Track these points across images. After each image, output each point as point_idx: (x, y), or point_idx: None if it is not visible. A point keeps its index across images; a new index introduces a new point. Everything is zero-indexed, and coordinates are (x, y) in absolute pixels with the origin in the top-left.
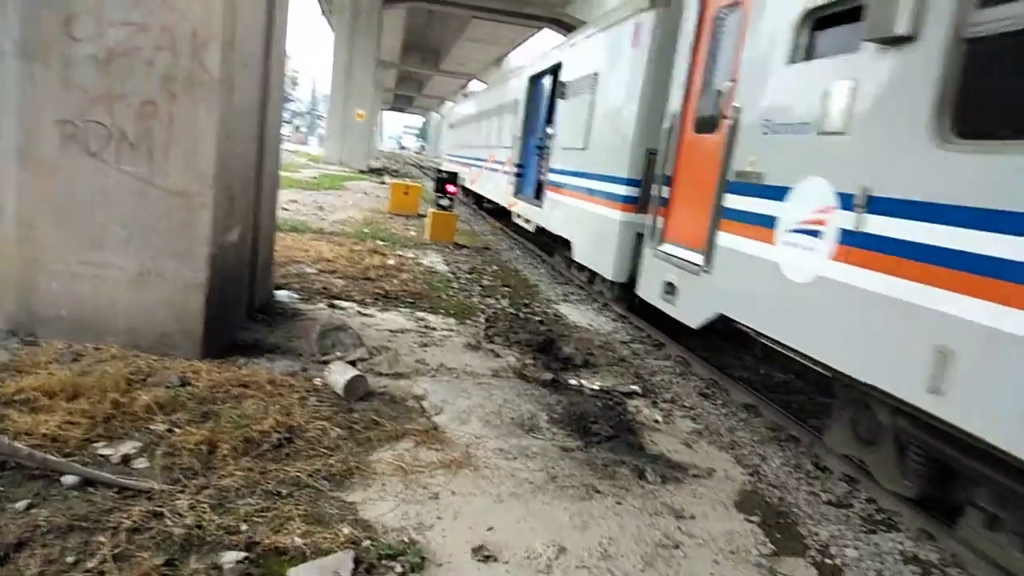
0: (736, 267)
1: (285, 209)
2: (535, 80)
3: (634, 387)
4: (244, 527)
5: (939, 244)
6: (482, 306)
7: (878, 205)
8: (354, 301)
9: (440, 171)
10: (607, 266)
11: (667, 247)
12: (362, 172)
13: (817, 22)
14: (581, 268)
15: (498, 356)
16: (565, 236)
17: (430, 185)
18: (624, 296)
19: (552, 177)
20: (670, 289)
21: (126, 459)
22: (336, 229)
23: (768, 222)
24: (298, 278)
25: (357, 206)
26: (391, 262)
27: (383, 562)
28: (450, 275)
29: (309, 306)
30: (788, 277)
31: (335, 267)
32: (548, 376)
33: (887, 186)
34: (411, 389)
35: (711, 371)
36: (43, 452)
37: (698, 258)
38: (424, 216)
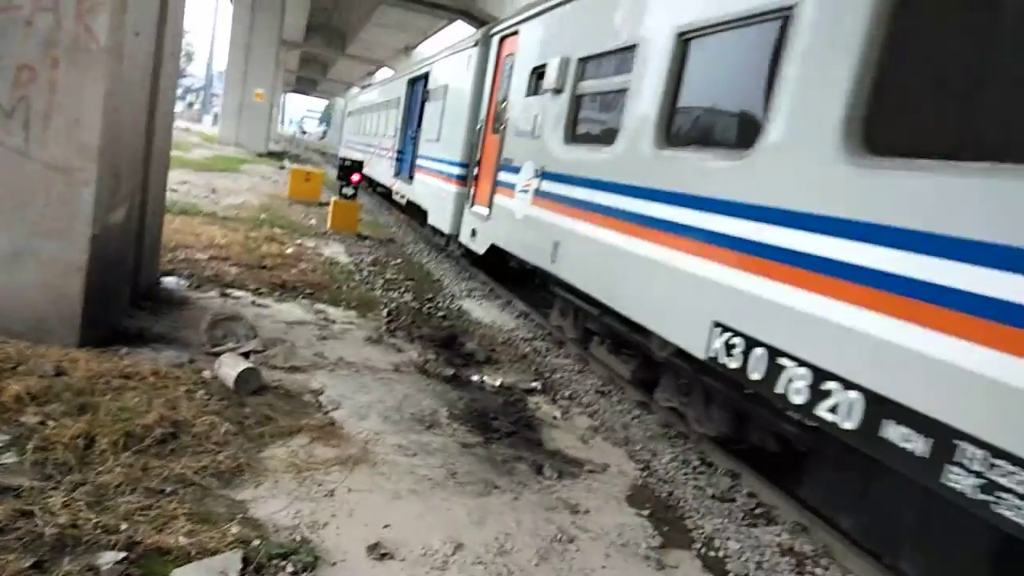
0: (501, 215)
1: (175, 191)
2: (412, 83)
3: (535, 384)
4: (124, 526)
5: (561, 193)
6: (384, 299)
7: (546, 175)
8: (248, 290)
9: (345, 159)
10: (445, 224)
11: (475, 208)
12: (260, 155)
13: (536, 74)
14: (435, 232)
15: (400, 351)
16: (423, 206)
17: (333, 172)
18: (462, 249)
19: (419, 162)
20: (473, 233)
21: None
22: (230, 214)
23: (512, 187)
24: (188, 264)
25: (254, 190)
26: (289, 251)
27: (273, 562)
28: (352, 266)
29: (199, 294)
30: (516, 216)
31: (228, 254)
32: (450, 372)
33: (549, 166)
34: (308, 383)
35: (609, 370)
36: None
37: (485, 212)
38: (326, 204)
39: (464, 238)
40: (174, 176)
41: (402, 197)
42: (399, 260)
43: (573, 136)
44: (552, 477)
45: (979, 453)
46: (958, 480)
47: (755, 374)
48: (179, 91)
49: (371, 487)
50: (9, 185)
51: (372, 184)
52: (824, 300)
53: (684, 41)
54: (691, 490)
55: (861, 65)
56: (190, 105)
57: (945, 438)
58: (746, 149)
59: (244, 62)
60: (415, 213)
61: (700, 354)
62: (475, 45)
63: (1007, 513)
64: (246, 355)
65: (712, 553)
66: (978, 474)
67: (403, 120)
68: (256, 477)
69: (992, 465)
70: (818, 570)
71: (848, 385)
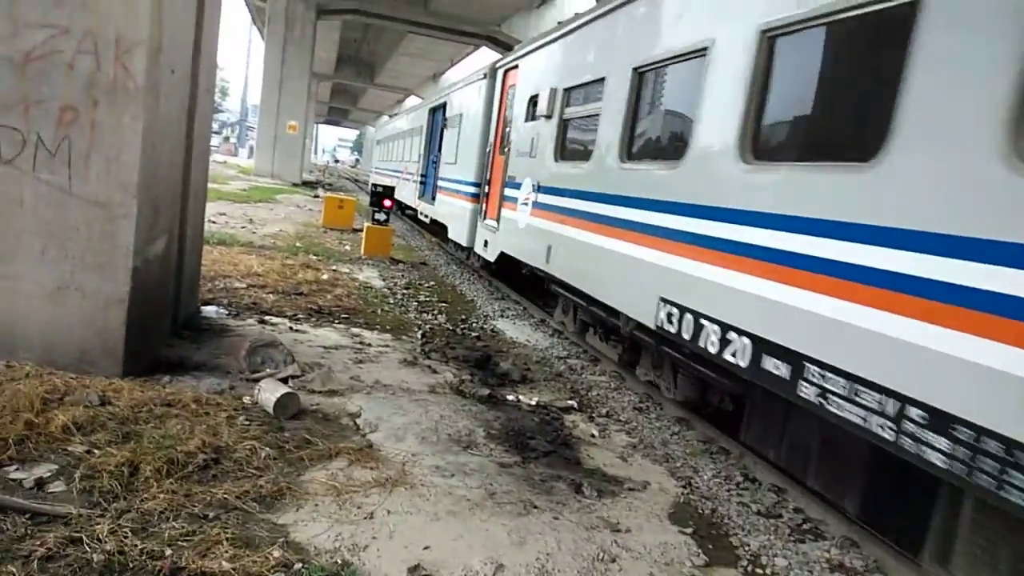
0: (507, 227)
1: (213, 222)
2: (432, 112)
3: (571, 402)
4: (168, 551)
5: (552, 203)
6: (419, 322)
7: (541, 189)
8: (286, 317)
9: (376, 185)
10: (463, 238)
11: (486, 221)
12: (295, 185)
13: (532, 102)
14: (457, 247)
15: (435, 372)
16: (445, 223)
17: (365, 199)
18: (480, 261)
19: (440, 183)
20: (485, 244)
21: (40, 483)
22: (267, 243)
23: (515, 201)
24: (226, 293)
25: (289, 219)
26: (325, 277)
27: None
28: (386, 290)
29: (238, 322)
30: (519, 226)
31: (266, 282)
32: (485, 392)
33: (544, 181)
34: (345, 406)
35: (645, 386)
36: None
37: (494, 224)
38: (359, 230)
39: (479, 249)
40: (212, 208)
41: (426, 216)
42: (432, 283)
43: (562, 154)
44: (592, 496)
45: (816, 370)
46: (806, 391)
47: (686, 334)
48: (216, 125)
49: (410, 509)
50: (53, 222)
51: (401, 207)
52: (728, 272)
53: (639, 74)
54: (735, 506)
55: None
56: (226, 139)
57: (799, 363)
58: (678, 160)
59: (277, 95)
60: (438, 232)
61: (651, 324)
62: (484, 77)
63: (832, 408)
64: (285, 380)
65: (759, 571)
66: (817, 385)
67: (425, 146)
68: (297, 501)
69: (824, 376)
70: None
71: (741, 332)
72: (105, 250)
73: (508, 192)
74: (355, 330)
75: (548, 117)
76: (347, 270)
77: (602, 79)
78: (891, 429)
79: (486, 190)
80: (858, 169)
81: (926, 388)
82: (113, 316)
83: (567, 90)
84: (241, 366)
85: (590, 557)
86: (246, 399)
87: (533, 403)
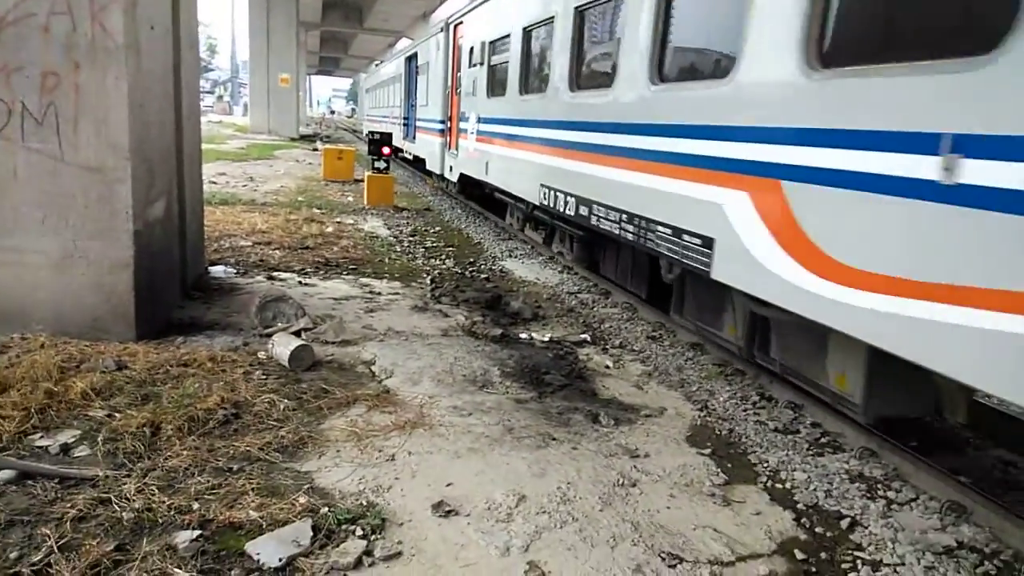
0: (462, 153)
1: (213, 182)
2: (408, 60)
3: (584, 336)
4: (196, 506)
5: (487, 130)
6: (427, 267)
7: (480, 119)
8: (294, 271)
9: (373, 133)
10: (436, 167)
11: (450, 151)
12: (293, 139)
13: (471, 52)
14: (430, 174)
15: (446, 316)
16: (423, 157)
17: (364, 148)
18: (451, 186)
19: (418, 123)
20: (450, 169)
21: (66, 448)
22: (269, 199)
23: (466, 132)
24: (233, 252)
25: (290, 175)
26: (330, 229)
27: (343, 527)
28: (392, 239)
29: (246, 280)
30: (469, 151)
31: (271, 238)
32: (498, 332)
33: (481, 113)
34: (360, 355)
35: (658, 315)
36: None
37: (455, 152)
38: (360, 181)
39: (447, 174)
40: (211, 168)
41: (409, 154)
42: (437, 228)
43: (490, 92)
44: (609, 425)
45: (596, 207)
46: (593, 220)
47: (557, 206)
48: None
49: (430, 448)
50: (49, 191)
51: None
52: (577, 163)
53: (525, 32)
54: (752, 425)
55: None
56: (219, 98)
57: (590, 205)
58: (543, 94)
59: (266, 48)
60: (420, 170)
61: (535, 201)
62: (441, 31)
63: (602, 226)
64: (297, 333)
65: (778, 485)
66: (596, 216)
67: (405, 91)
68: (318, 448)
69: (601, 210)
70: (890, 493)
71: (569, 195)
72: (104, 215)
73: (461, 125)
74: (364, 280)
75: (480, 64)
76: (351, 221)
77: (507, 35)
78: (619, 228)
79: (448, 126)
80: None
81: (635, 206)
82: (120, 281)
83: (491, 42)
84: (253, 322)
85: (610, 483)
86: (261, 354)
87: (546, 339)
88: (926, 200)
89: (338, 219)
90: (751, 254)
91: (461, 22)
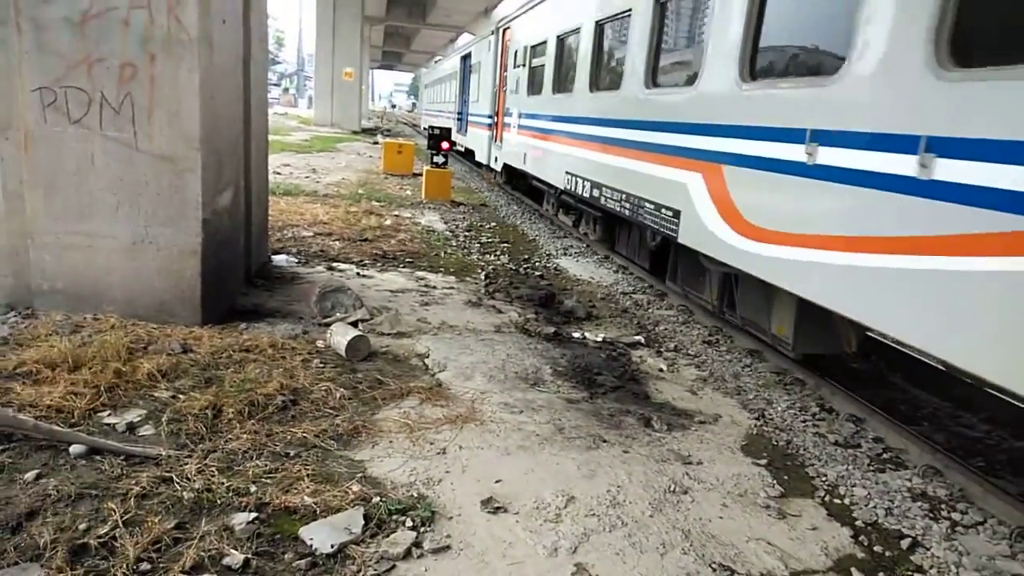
0: (506, 145)
1: (277, 173)
2: (464, 59)
3: (637, 337)
4: (253, 488)
5: (526, 124)
6: (481, 263)
7: (521, 115)
8: (352, 263)
9: (433, 128)
10: (484, 157)
11: (496, 143)
12: (355, 133)
13: (515, 54)
14: (480, 165)
15: (500, 312)
16: (473, 149)
17: (423, 143)
18: (499, 177)
19: (470, 118)
20: (495, 160)
21: (132, 427)
22: (331, 191)
23: (509, 126)
24: (294, 242)
25: (351, 167)
26: (388, 222)
27: (393, 517)
28: (448, 233)
29: (307, 269)
30: (512, 143)
31: (331, 229)
32: (551, 330)
33: (522, 109)
34: (414, 347)
35: (715, 319)
36: (48, 423)
37: (500, 144)
38: (419, 175)
39: (492, 164)
40: (276, 159)
41: (461, 146)
42: (493, 224)
43: (529, 91)
44: (661, 429)
45: (605, 190)
46: (602, 201)
47: (577, 190)
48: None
49: (481, 444)
50: (124, 178)
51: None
52: (588, 152)
53: (559, 40)
54: (811, 437)
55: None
56: (285, 90)
57: (600, 188)
58: (570, 93)
59: (331, 42)
60: (477, 165)
61: (561, 186)
62: (492, 34)
63: (608, 205)
64: (354, 324)
65: (837, 500)
66: (606, 197)
67: (460, 88)
68: (372, 438)
69: (609, 192)
70: (955, 514)
71: (585, 179)
72: (175, 203)
73: (506, 120)
74: (420, 273)
75: (523, 66)
76: (409, 215)
77: (544, 41)
78: (619, 206)
79: (496, 120)
80: (611, 95)
81: (631, 188)
82: (188, 267)
83: (532, 47)
84: (312, 311)
85: (661, 489)
86: (319, 343)
87: (599, 339)
88: (799, 176)
89: (396, 212)
90: (702, 221)
91: (509, 27)
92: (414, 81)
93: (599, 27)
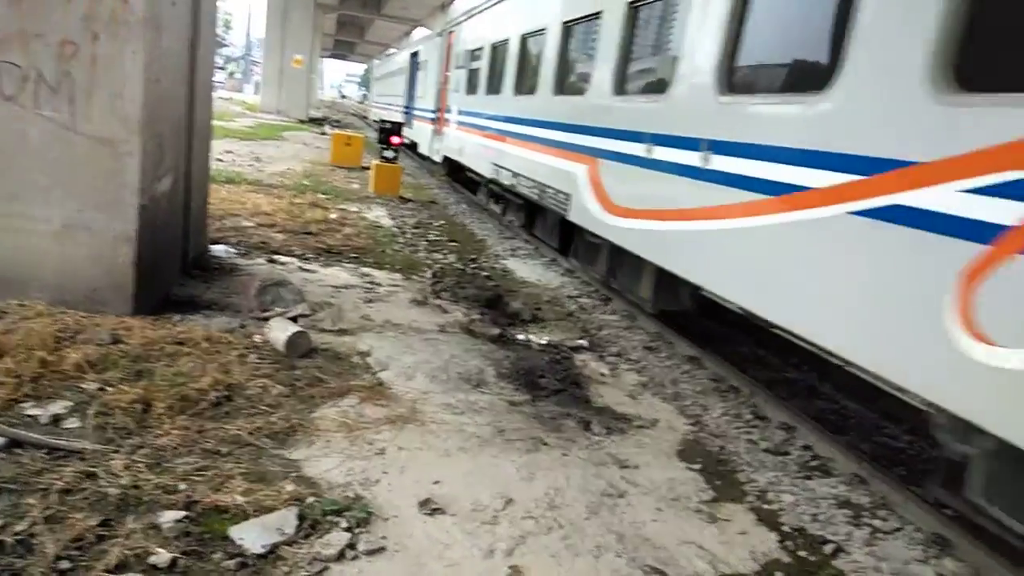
0: (446, 138)
1: (220, 160)
2: (412, 56)
3: (581, 341)
4: (183, 486)
5: (464, 120)
6: (429, 261)
7: (460, 112)
8: (295, 256)
9: (384, 121)
10: (426, 149)
11: (437, 136)
12: (302, 122)
13: (457, 56)
14: (423, 157)
15: (445, 312)
16: (418, 142)
17: (373, 135)
18: (442, 168)
19: (415, 112)
20: (436, 152)
21: (56, 419)
22: (275, 181)
23: (449, 121)
24: (235, 232)
25: (297, 157)
26: (333, 216)
27: (328, 518)
28: (396, 230)
29: (247, 261)
30: (451, 137)
31: (274, 221)
32: (496, 331)
33: (461, 107)
34: (356, 345)
35: (657, 324)
36: None
37: (441, 138)
38: (368, 168)
39: (434, 156)
40: (218, 146)
41: (407, 139)
42: (442, 222)
43: (468, 91)
44: (601, 433)
45: (522, 178)
46: (518, 187)
47: (501, 179)
48: (219, 60)
49: (420, 445)
50: (58, 160)
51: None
52: (510, 147)
53: (492, 47)
54: (744, 444)
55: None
56: (231, 74)
57: (517, 175)
58: (499, 95)
59: (281, 28)
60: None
61: (489, 176)
62: (439, 35)
63: (521, 190)
64: (295, 319)
65: (766, 506)
66: (522, 184)
67: (408, 84)
68: (309, 437)
69: (523, 179)
70: (876, 521)
71: (507, 169)
72: (111, 188)
73: (447, 116)
74: (365, 270)
75: (461, 68)
76: (356, 209)
77: (481, 48)
78: (531, 191)
79: (438, 116)
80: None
81: (534, 174)
82: (122, 255)
83: (471, 51)
84: (251, 305)
85: (598, 492)
86: (257, 338)
87: (543, 342)
88: (641, 167)
89: (343, 206)
90: (584, 202)
91: (452, 31)
92: (366, 73)
93: (523, 40)
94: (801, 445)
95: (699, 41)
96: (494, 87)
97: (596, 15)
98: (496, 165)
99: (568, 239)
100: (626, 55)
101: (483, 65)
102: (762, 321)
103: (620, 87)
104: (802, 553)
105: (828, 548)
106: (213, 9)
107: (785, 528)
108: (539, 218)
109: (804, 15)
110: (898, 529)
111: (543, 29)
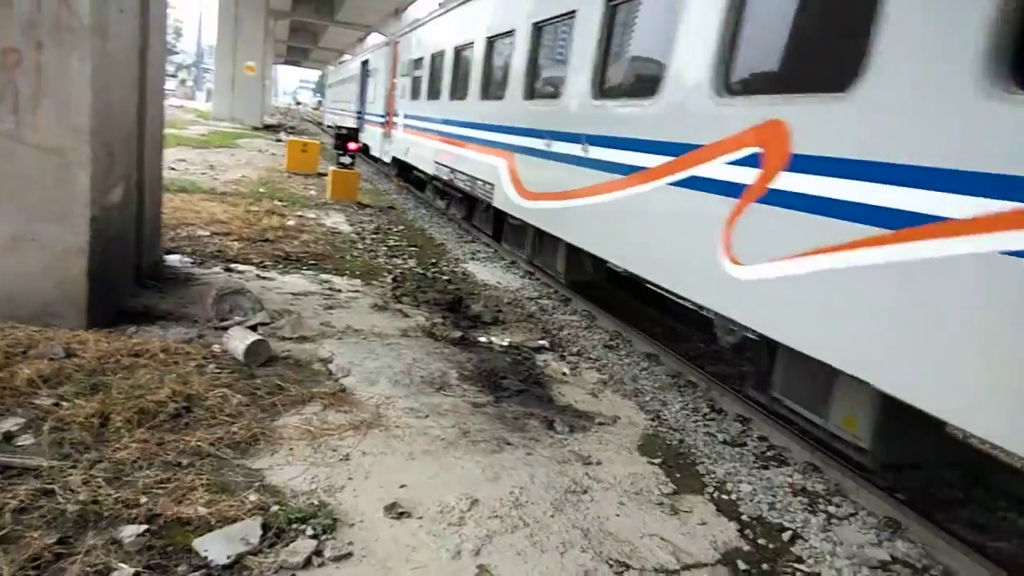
0: (395, 140)
1: (173, 168)
2: (364, 64)
3: (542, 342)
4: (143, 500)
5: (410, 124)
6: (389, 266)
7: (406, 116)
8: (252, 264)
9: (340, 127)
10: (377, 151)
11: (387, 139)
12: (256, 129)
13: (403, 64)
14: (374, 159)
15: (406, 316)
16: (369, 144)
17: (330, 142)
18: (392, 169)
19: (366, 117)
20: (386, 153)
21: (8, 436)
22: (230, 189)
23: (397, 124)
24: (190, 241)
25: (252, 165)
26: (291, 223)
27: (293, 526)
28: (354, 235)
29: (203, 270)
30: (399, 139)
31: (230, 229)
32: (458, 334)
33: (407, 111)
34: (317, 352)
35: (616, 323)
36: None
37: (390, 141)
38: (324, 175)
39: (384, 157)
40: (171, 154)
41: (360, 142)
42: (401, 227)
43: (412, 96)
44: (563, 431)
45: (460, 173)
46: (456, 182)
47: (441, 175)
48: (170, 68)
49: (385, 450)
50: (4, 172)
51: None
52: (448, 146)
53: (432, 57)
54: (702, 437)
55: None
56: (183, 82)
57: (454, 171)
58: (438, 100)
59: (233, 34)
60: (385, 165)
61: (432, 173)
62: (387, 45)
63: (459, 184)
64: (254, 328)
65: (724, 496)
66: (460, 179)
67: (360, 90)
68: (271, 446)
69: (461, 175)
70: (831, 507)
71: (446, 166)
72: (61, 198)
73: (395, 120)
74: (324, 276)
75: (407, 75)
76: (313, 215)
77: (422, 58)
78: (465, 184)
79: (387, 120)
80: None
81: (471, 171)
82: (74, 266)
83: (414, 61)
84: (208, 314)
85: (562, 489)
86: (215, 347)
87: (505, 344)
88: (544, 158)
89: (300, 213)
90: (504, 190)
91: (399, 41)
92: (320, 79)
93: (457, 52)
94: (757, 436)
95: (581, 58)
96: (434, 93)
97: (510, 32)
98: (437, 163)
99: (500, 227)
100: (533, 68)
101: (424, 73)
102: (622, 271)
103: (529, 93)
104: (761, 541)
105: (786, 535)
106: (163, 15)
107: (744, 517)
108: (476, 209)
109: (645, 49)
110: (852, 514)
111: (471, 43)
